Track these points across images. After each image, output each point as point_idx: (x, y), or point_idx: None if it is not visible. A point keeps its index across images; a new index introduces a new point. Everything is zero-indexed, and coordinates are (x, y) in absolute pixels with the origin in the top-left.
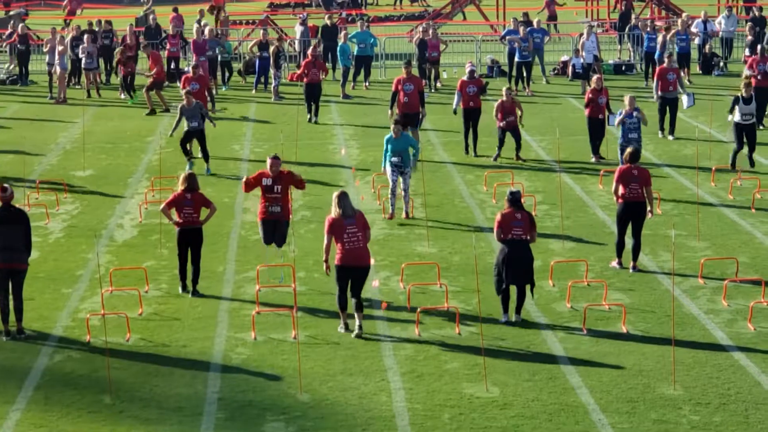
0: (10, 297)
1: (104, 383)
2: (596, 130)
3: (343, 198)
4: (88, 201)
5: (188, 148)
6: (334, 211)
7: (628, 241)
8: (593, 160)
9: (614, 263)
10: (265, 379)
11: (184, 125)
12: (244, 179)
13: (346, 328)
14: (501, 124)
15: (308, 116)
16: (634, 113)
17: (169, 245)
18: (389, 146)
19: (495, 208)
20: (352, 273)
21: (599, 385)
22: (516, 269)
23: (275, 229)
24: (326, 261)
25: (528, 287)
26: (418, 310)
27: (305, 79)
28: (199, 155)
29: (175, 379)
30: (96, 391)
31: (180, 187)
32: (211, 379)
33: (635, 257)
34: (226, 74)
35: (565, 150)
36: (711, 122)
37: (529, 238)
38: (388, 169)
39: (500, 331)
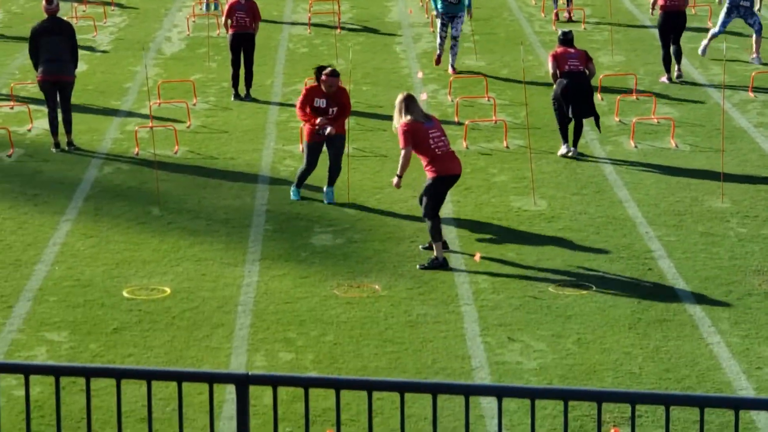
0: (59, 110)
1: (153, 195)
2: None
3: (411, 101)
4: (135, 14)
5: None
6: (403, 117)
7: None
8: None
9: (664, 78)
10: (312, 191)
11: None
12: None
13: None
14: None
15: None
16: None
17: (218, 58)
18: None
19: (543, 21)
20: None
21: (646, 199)
22: (576, 100)
23: (321, 149)
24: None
25: (593, 121)
26: (466, 122)
27: None
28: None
29: (223, 191)
30: (145, 203)
31: None
32: (259, 191)
33: (678, 61)
34: None
35: None
36: None
37: (587, 71)
38: (438, 19)
39: (548, 144)
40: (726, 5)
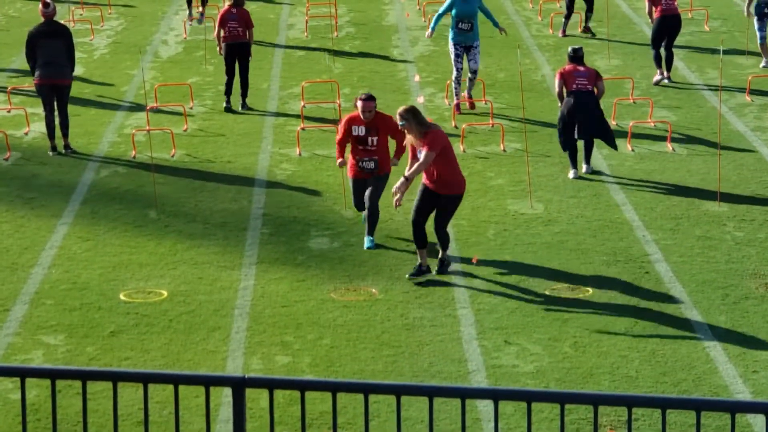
0: (56, 113)
1: (150, 198)
2: None
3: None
4: (132, 17)
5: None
6: (425, 126)
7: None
8: None
9: (657, 77)
10: (309, 195)
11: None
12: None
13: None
14: None
15: None
16: None
17: (214, 61)
18: (456, 8)
19: (540, 25)
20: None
21: (643, 202)
22: (583, 119)
23: (366, 187)
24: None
25: (603, 141)
26: (463, 126)
27: None
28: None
29: (219, 194)
30: (142, 206)
31: (226, 4)
32: (256, 195)
33: (669, 68)
34: None
35: None
36: None
37: (595, 90)
38: (452, 48)
39: (545, 147)
40: (756, 17)
